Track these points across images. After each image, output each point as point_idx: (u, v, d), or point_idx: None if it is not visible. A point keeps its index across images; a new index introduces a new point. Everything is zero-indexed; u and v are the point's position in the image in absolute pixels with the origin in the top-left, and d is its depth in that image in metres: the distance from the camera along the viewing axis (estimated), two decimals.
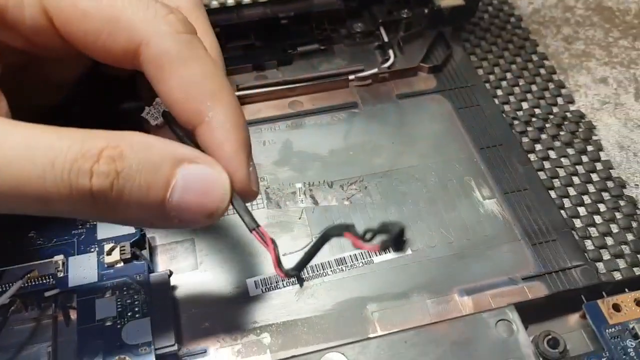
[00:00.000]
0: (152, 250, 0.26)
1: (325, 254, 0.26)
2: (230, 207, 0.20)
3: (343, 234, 0.19)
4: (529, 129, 0.33)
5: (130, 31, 0.20)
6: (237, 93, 0.32)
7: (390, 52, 0.35)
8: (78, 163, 0.17)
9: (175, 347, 0.22)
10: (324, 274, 0.26)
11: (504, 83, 0.36)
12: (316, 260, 0.22)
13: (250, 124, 0.30)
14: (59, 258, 0.24)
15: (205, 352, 0.23)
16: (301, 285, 0.24)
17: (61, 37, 0.20)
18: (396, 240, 0.19)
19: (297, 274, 0.20)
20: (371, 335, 0.24)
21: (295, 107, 0.33)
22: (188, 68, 0.20)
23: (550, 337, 0.24)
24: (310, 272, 0.26)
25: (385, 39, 0.35)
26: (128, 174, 0.17)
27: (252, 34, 0.35)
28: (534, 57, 0.37)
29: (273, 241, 0.20)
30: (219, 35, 0.24)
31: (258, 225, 0.20)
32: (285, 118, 0.32)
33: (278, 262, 0.20)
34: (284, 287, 0.26)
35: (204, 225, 0.20)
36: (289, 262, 0.21)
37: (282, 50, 0.35)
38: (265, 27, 0.35)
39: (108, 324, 0.22)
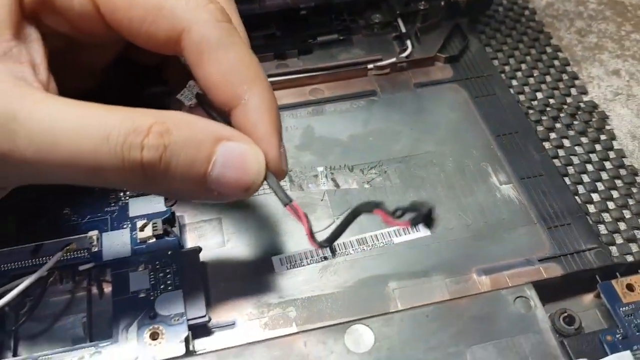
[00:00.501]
0: (181, 228, 0.27)
1: (346, 234, 0.27)
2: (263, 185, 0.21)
3: (373, 210, 0.20)
4: (544, 118, 0.34)
5: (173, 19, 0.21)
6: None
7: (408, 42, 0.36)
8: (130, 137, 0.18)
9: (206, 318, 0.23)
10: (346, 252, 0.27)
11: (518, 74, 0.36)
12: (338, 240, 0.23)
13: None
14: (94, 233, 0.25)
15: (233, 324, 0.24)
16: (333, 255, 0.25)
17: (106, 23, 0.21)
18: (426, 217, 0.20)
19: (329, 245, 0.21)
20: (394, 310, 0.25)
21: (316, 94, 0.34)
22: (227, 54, 0.21)
23: (566, 314, 0.24)
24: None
25: (403, 30, 0.36)
26: (174, 149, 0.18)
27: (274, 24, 0.35)
28: (548, 49, 0.38)
29: (306, 215, 0.21)
30: None
31: (291, 200, 0.21)
32: (306, 105, 0.33)
33: (311, 234, 0.21)
34: (308, 264, 0.26)
35: (239, 199, 0.21)
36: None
37: (302, 40, 0.36)
38: (286, 18, 0.35)
39: (142, 295, 0.23)
